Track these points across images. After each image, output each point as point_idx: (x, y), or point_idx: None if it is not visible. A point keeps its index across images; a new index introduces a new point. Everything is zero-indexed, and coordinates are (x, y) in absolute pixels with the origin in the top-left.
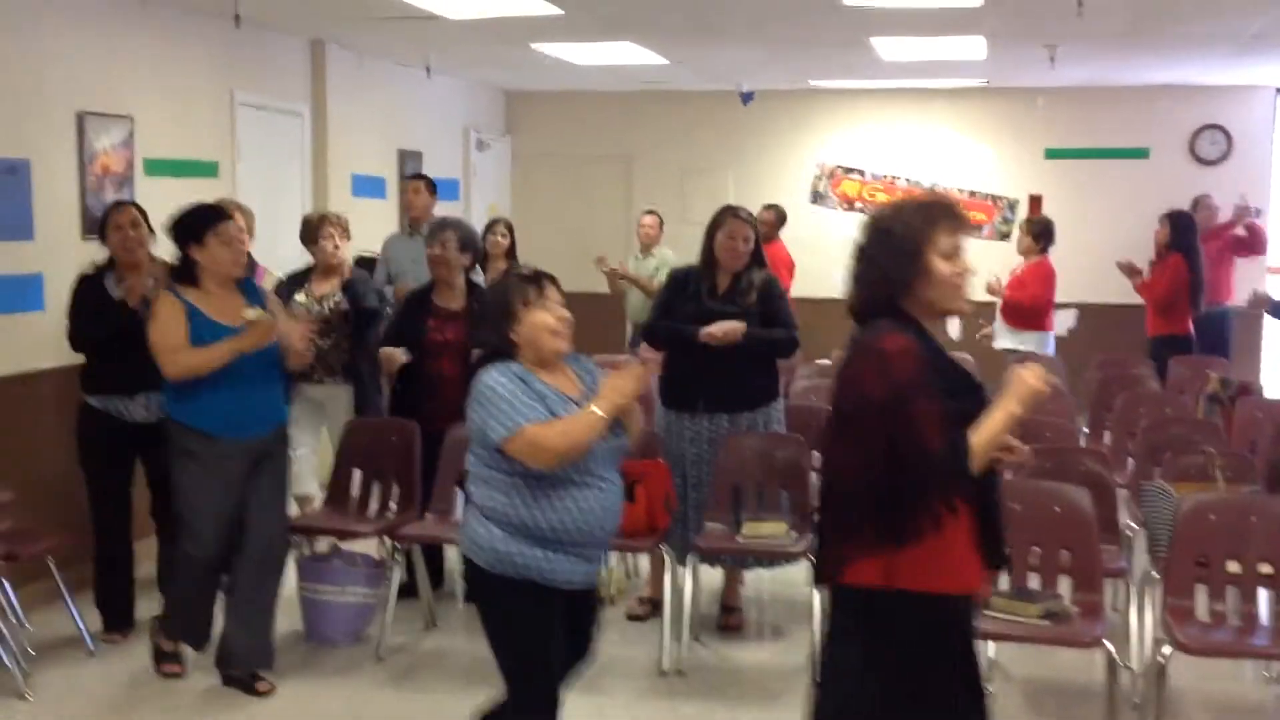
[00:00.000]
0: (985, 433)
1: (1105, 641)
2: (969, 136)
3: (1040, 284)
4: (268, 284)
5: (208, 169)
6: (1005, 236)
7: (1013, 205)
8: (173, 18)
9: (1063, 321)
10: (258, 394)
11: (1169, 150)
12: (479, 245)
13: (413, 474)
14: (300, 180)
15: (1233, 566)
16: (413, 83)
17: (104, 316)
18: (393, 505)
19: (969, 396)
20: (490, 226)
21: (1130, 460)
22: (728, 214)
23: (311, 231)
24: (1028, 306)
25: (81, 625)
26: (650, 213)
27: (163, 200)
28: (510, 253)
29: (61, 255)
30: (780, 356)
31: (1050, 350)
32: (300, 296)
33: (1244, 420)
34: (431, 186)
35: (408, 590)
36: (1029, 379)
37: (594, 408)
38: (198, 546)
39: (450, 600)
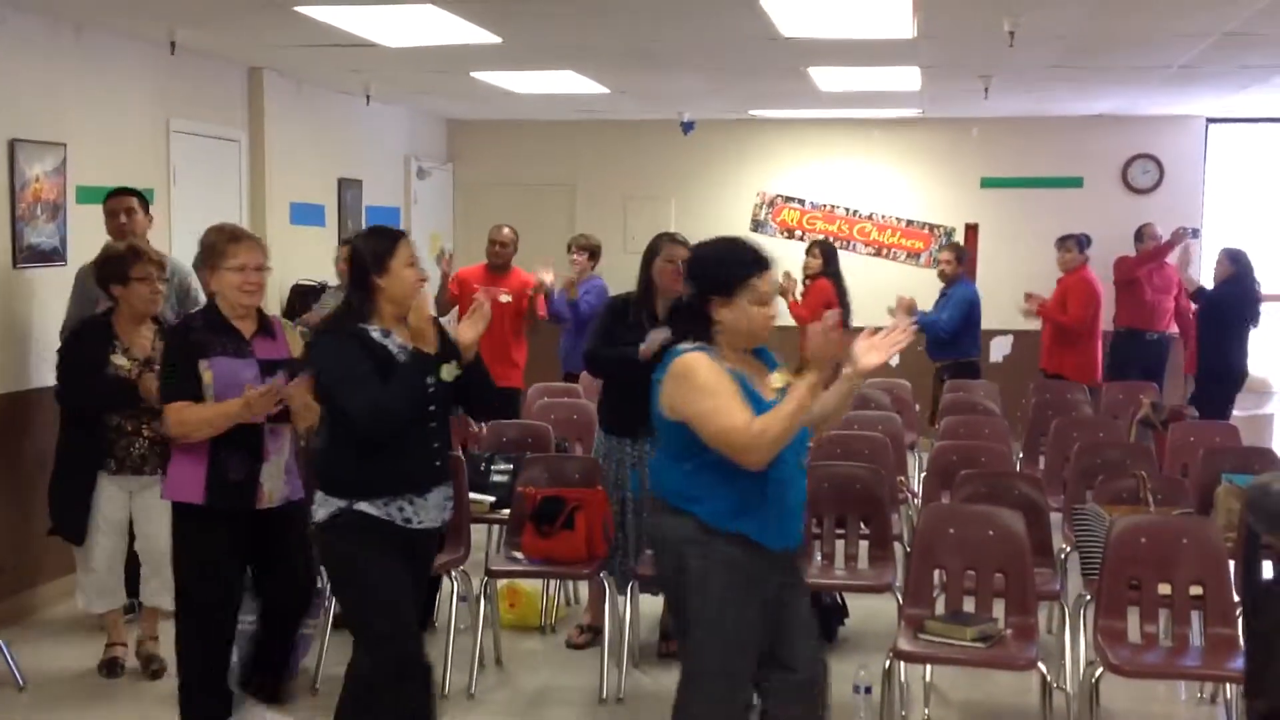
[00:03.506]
0: None
1: (1039, 664)
2: (906, 166)
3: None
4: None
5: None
6: None
7: (949, 234)
8: (108, 44)
9: (998, 348)
10: (799, 487)
11: (1102, 179)
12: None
13: None
14: (238, 208)
15: (1164, 588)
16: (352, 110)
17: (413, 384)
18: None
19: None
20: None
21: (1064, 484)
22: (664, 239)
23: (122, 268)
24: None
25: (11, 662)
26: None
27: (95, 229)
28: None
29: None
30: None
31: None
32: (118, 358)
33: (1176, 444)
34: (144, 203)
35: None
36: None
37: None
38: (727, 694)
39: None
